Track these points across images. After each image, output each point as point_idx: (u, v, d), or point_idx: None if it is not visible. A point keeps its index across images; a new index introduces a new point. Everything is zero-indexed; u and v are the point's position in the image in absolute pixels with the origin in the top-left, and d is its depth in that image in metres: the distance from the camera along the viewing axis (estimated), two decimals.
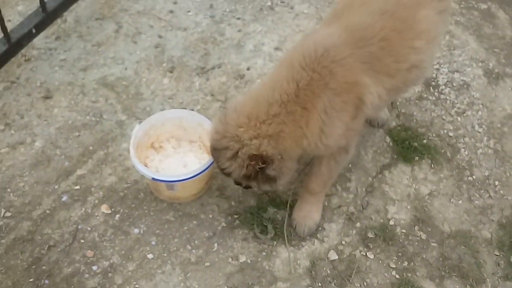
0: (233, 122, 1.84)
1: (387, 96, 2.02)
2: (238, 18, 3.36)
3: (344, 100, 1.86)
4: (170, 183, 2.20)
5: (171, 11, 3.37)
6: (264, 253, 2.26)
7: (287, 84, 1.83)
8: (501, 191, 2.62)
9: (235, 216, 2.37)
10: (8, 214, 2.31)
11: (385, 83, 1.94)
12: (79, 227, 2.28)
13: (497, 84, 3.15)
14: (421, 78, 2.22)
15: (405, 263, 2.30)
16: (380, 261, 2.29)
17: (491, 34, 3.48)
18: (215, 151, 1.93)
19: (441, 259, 2.33)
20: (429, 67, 2.19)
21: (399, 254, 2.32)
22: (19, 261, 2.17)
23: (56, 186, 2.42)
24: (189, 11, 3.38)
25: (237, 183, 2.14)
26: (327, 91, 1.82)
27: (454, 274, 2.30)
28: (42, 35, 3.01)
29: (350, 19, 1.97)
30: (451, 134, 2.83)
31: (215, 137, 1.90)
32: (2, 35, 2.71)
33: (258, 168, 1.83)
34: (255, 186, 1.99)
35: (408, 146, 2.70)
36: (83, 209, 2.35)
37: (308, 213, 2.29)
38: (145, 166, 2.28)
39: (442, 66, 3.20)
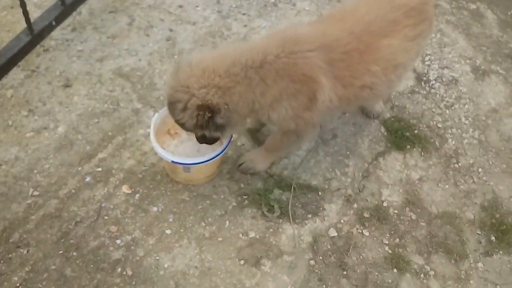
0: (185, 75, 2.01)
1: (338, 103, 2.27)
2: (244, 14, 3.57)
3: (298, 88, 2.12)
4: (187, 166, 2.42)
5: (180, 6, 3.56)
6: (271, 230, 2.50)
7: (257, 53, 2.08)
8: (484, 178, 2.89)
9: (244, 197, 2.60)
10: (36, 193, 2.51)
11: (338, 90, 2.21)
12: (103, 205, 2.50)
13: (483, 80, 3.41)
14: (374, 98, 2.47)
15: (397, 240, 2.56)
16: (374, 238, 2.55)
17: (479, 33, 3.74)
18: (169, 104, 2.12)
19: (429, 236, 2.59)
20: (385, 91, 2.41)
21: (392, 232, 2.58)
22: (48, 235, 2.38)
23: (80, 168, 2.63)
24: (197, 6, 3.58)
25: (198, 138, 2.32)
26: (286, 76, 2.10)
27: (440, 250, 2.56)
28: (59, 26, 3.19)
29: (326, 28, 2.26)
30: (440, 125, 3.09)
31: (169, 92, 2.07)
32: (26, 26, 2.90)
33: (207, 117, 2.01)
34: (208, 135, 2.16)
35: (401, 135, 2.95)
36: (106, 189, 2.56)
37: (256, 158, 2.62)
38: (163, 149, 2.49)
39: (433, 62, 3.45)
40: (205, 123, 2.07)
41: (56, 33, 3.25)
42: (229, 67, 2.05)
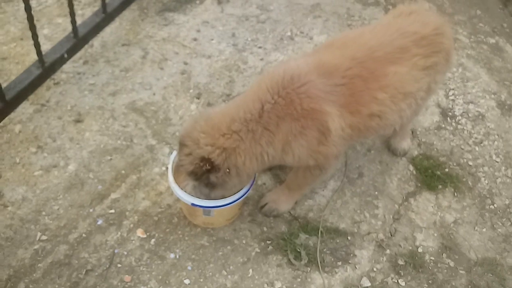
0: (199, 128, 2.00)
1: (351, 132, 2.12)
2: (260, 47, 3.47)
3: (303, 125, 1.99)
4: (207, 209, 2.24)
5: (195, 39, 3.47)
6: (299, 279, 2.29)
7: (253, 104, 1.99)
8: None
9: (268, 242, 2.41)
10: (44, 237, 2.31)
11: (346, 118, 2.06)
12: (116, 251, 2.30)
13: (510, 116, 3.28)
14: (386, 128, 2.29)
15: None
16: None
17: (500, 67, 3.64)
18: (180, 144, 2.09)
19: (470, 286, 2.38)
20: (397, 120, 2.25)
21: (430, 281, 2.37)
22: (56, 286, 2.16)
23: (91, 210, 2.44)
24: (212, 39, 3.48)
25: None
26: (287, 116, 1.99)
27: None
28: (71, 59, 3.07)
29: (323, 56, 2.13)
30: (470, 163, 2.93)
31: (183, 133, 2.06)
32: (36, 58, 2.77)
33: (205, 169, 1.97)
34: (196, 186, 2.12)
35: (431, 174, 2.78)
36: (119, 233, 2.36)
37: (278, 199, 2.46)
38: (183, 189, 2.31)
39: (457, 97, 3.32)
40: (200, 173, 2.01)
41: (67, 66, 3.13)
42: (230, 124, 1.99)
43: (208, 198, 2.18)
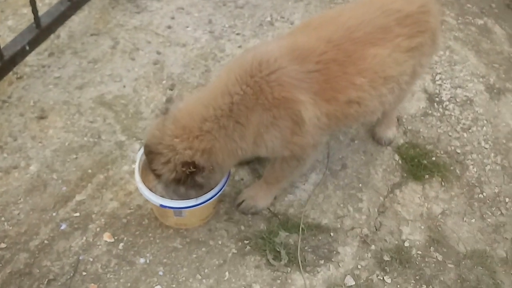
0: (170, 132, 1.87)
1: (328, 121, 1.97)
2: (238, 34, 3.29)
3: (274, 115, 1.86)
4: (178, 210, 2.08)
5: (169, 27, 3.28)
6: (278, 281, 2.15)
7: (222, 99, 1.85)
8: None
9: (246, 242, 2.26)
10: (3, 245, 2.15)
11: (322, 107, 1.91)
12: (80, 258, 2.14)
13: (499, 100, 3.14)
14: (366, 115, 2.13)
15: (424, 287, 2.22)
16: (398, 286, 2.21)
17: (489, 49, 3.49)
18: (150, 153, 1.95)
19: (459, 281, 2.26)
20: (378, 107, 2.09)
21: (417, 277, 2.25)
22: None
23: (54, 214, 2.27)
24: (187, 27, 3.29)
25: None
26: (258, 106, 1.84)
27: None
28: (34, 51, 2.87)
29: (298, 38, 1.97)
30: (458, 150, 2.79)
31: (152, 141, 1.93)
32: None
33: (188, 172, 1.86)
34: (182, 191, 2.00)
35: (418, 164, 2.65)
36: (84, 238, 2.20)
37: (256, 195, 2.33)
38: (150, 190, 2.15)
39: (444, 81, 3.18)
40: (184, 178, 1.88)
41: (31, 58, 2.93)
42: (201, 124, 1.86)
43: (194, 197, 2.05)
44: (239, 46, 3.19)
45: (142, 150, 2.19)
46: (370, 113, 2.13)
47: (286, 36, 2.09)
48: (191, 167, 1.86)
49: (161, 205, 2.03)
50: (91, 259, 2.14)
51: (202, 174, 1.90)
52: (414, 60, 2.11)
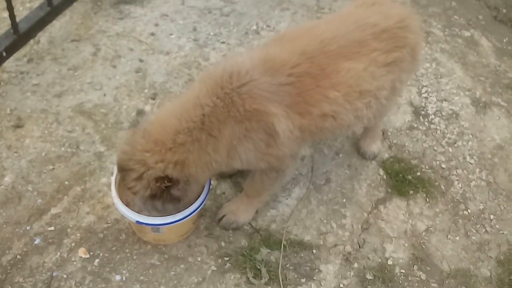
0: (140, 147, 1.82)
1: (301, 135, 1.94)
2: (223, 42, 3.24)
3: (247, 127, 1.83)
4: (155, 226, 2.02)
5: (152, 34, 3.21)
6: None
7: (194, 111, 1.81)
8: (497, 226, 2.56)
9: (226, 259, 2.20)
10: None
11: (295, 120, 1.89)
12: (54, 274, 2.06)
13: (485, 114, 3.13)
14: (342, 129, 2.11)
15: None
16: None
17: (475, 62, 3.49)
18: (122, 170, 1.90)
19: None
20: (353, 121, 2.06)
21: None
22: None
23: (28, 227, 2.19)
24: (171, 34, 3.23)
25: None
26: (230, 119, 1.82)
27: None
28: (12, 57, 2.79)
29: (271, 50, 1.94)
30: (443, 165, 2.77)
31: (122, 157, 1.88)
32: None
33: (164, 187, 1.83)
34: (159, 206, 1.95)
35: (402, 179, 2.62)
36: (58, 253, 2.13)
37: (237, 209, 2.28)
38: (128, 205, 2.09)
39: (430, 94, 3.16)
40: (160, 193, 1.83)
41: (9, 64, 2.85)
42: (174, 136, 1.80)
43: (175, 212, 1.99)
44: (224, 55, 3.14)
45: None
46: (346, 126, 2.11)
47: (259, 48, 2.07)
48: (165, 181, 1.81)
49: (138, 222, 1.97)
50: (65, 276, 2.07)
51: (178, 187, 1.85)
52: (393, 75, 2.09)
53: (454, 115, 3.06)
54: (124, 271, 2.11)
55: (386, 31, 2.01)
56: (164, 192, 1.85)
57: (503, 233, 2.54)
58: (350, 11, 2.12)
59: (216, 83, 1.81)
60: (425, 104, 3.09)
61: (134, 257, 2.16)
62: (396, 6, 2.19)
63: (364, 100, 2.01)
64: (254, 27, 3.37)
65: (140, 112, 1.97)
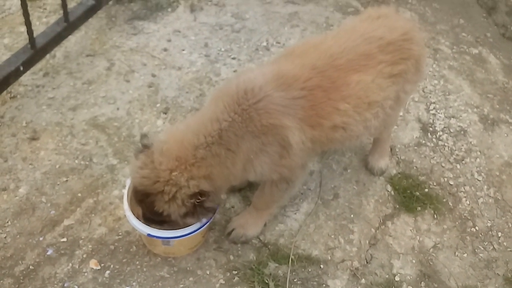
0: (163, 167, 1.83)
1: (312, 146, 2.00)
2: (234, 58, 3.30)
3: (263, 142, 1.89)
4: (166, 239, 2.05)
5: (165, 49, 3.29)
6: None
7: (211, 125, 1.86)
8: (505, 243, 2.56)
9: (234, 272, 2.23)
10: None
11: (307, 132, 1.94)
12: (65, 285, 2.10)
13: (493, 131, 3.14)
14: (352, 140, 2.15)
15: None
16: None
17: (483, 79, 3.51)
18: (147, 196, 1.90)
19: None
20: (362, 132, 2.11)
21: None
22: None
23: (41, 238, 2.24)
24: (183, 50, 3.30)
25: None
26: (247, 134, 1.87)
27: None
28: (29, 71, 2.87)
29: (282, 66, 2.00)
30: (451, 182, 2.79)
31: (145, 182, 1.88)
32: None
33: (197, 202, 1.86)
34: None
35: (410, 195, 2.64)
36: (70, 264, 2.17)
37: (246, 223, 2.31)
38: (139, 217, 2.13)
39: (438, 111, 3.19)
40: (194, 209, 1.88)
41: (25, 78, 2.93)
42: (194, 151, 1.85)
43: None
44: (235, 71, 3.20)
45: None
46: (356, 137, 2.16)
47: (269, 64, 2.12)
48: (199, 197, 1.86)
49: (149, 235, 2.01)
50: (76, 287, 2.11)
51: (210, 198, 1.91)
52: (398, 86, 2.15)
53: (462, 132, 3.08)
54: (134, 283, 2.14)
55: (391, 44, 2.07)
56: (197, 207, 1.90)
57: (511, 250, 2.54)
58: (356, 25, 2.18)
59: (232, 99, 1.86)
60: (433, 120, 3.12)
61: (144, 269, 2.19)
62: (401, 19, 2.25)
63: (373, 110, 2.07)
64: (264, 44, 3.44)
65: (144, 136, 2.00)
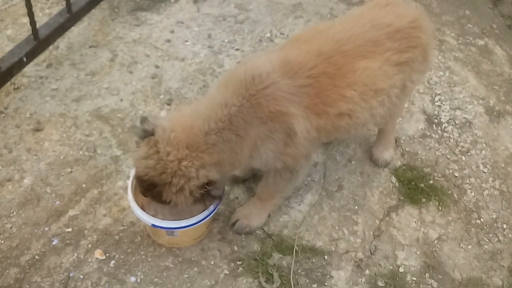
0: (171, 157, 1.80)
1: (317, 134, 1.99)
2: (237, 49, 3.28)
3: (270, 128, 1.88)
4: (170, 230, 2.06)
5: (168, 40, 3.27)
6: None
7: (221, 110, 1.84)
8: (510, 235, 2.55)
9: (238, 263, 2.23)
10: None
11: (312, 120, 1.93)
12: (71, 274, 2.11)
13: (498, 122, 3.12)
14: (357, 127, 2.13)
15: None
16: None
17: (489, 71, 3.49)
18: (154, 187, 1.88)
19: None
20: (368, 119, 2.09)
21: None
22: None
23: (46, 228, 2.25)
24: (186, 41, 3.29)
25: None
26: (255, 120, 1.86)
27: None
28: (32, 62, 2.87)
29: (288, 52, 1.98)
30: (456, 174, 2.77)
31: (151, 173, 1.85)
32: None
33: (204, 191, 1.87)
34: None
35: (415, 187, 2.62)
36: (75, 254, 2.18)
37: (250, 214, 2.30)
38: (143, 208, 2.13)
39: (443, 103, 3.16)
40: (201, 197, 1.89)
41: (29, 69, 2.93)
42: (205, 138, 1.84)
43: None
44: (238, 62, 3.19)
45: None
46: (361, 125, 2.14)
47: (276, 50, 2.10)
48: (206, 186, 1.87)
49: (153, 225, 2.01)
50: (81, 276, 2.11)
51: (215, 186, 1.91)
52: (404, 74, 2.12)
53: (467, 124, 3.06)
54: (139, 273, 2.15)
55: (399, 31, 2.04)
56: (203, 195, 1.90)
57: None
58: (363, 12, 2.16)
59: (240, 84, 1.85)
60: (438, 112, 3.10)
61: (149, 259, 2.20)
62: (409, 7, 2.23)
63: (379, 98, 2.05)
64: (268, 35, 3.42)
65: (144, 120, 1.99)
